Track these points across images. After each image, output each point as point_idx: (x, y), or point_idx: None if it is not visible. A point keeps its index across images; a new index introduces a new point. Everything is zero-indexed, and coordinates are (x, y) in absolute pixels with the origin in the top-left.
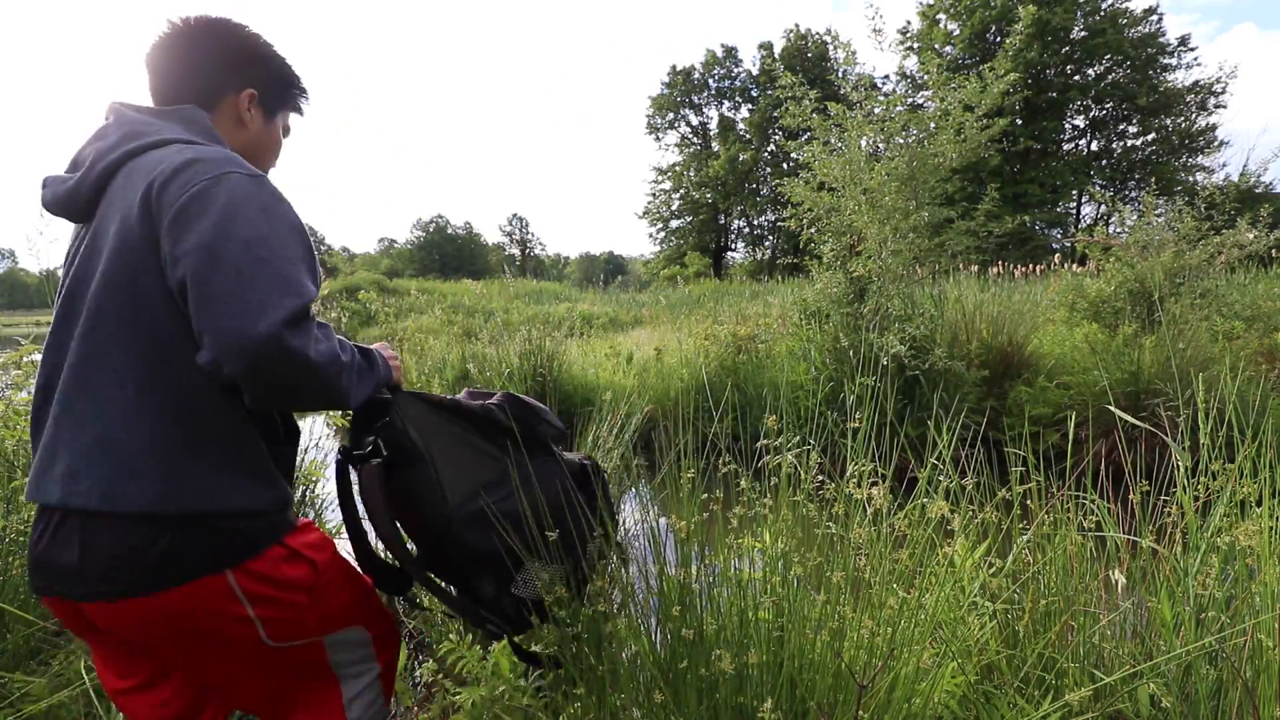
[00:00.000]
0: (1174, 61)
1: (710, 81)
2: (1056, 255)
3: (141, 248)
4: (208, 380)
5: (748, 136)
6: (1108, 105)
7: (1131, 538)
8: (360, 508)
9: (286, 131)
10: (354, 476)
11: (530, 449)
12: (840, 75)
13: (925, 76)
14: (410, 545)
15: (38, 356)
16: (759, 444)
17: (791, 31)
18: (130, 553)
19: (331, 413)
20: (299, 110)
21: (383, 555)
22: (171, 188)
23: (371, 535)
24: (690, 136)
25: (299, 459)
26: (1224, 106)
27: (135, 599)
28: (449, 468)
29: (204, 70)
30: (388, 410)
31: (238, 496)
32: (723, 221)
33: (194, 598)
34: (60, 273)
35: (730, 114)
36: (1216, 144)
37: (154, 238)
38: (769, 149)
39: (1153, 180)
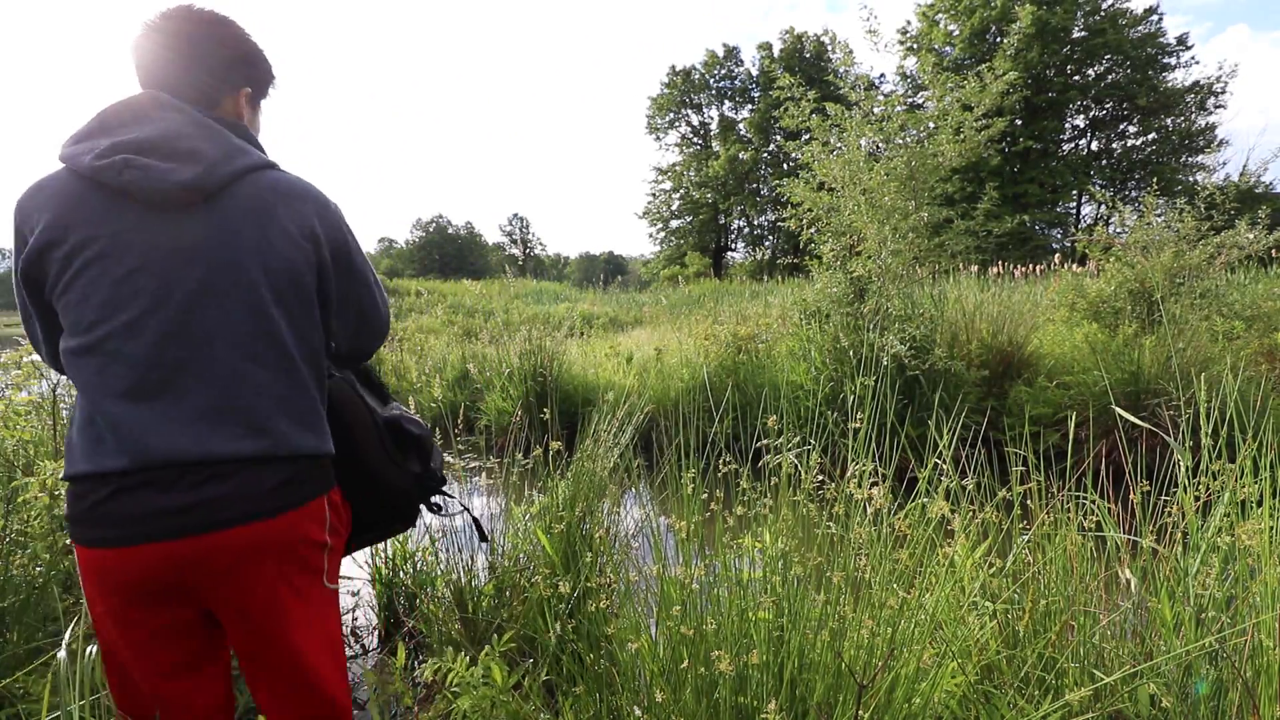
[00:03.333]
0: (1174, 61)
1: (711, 81)
2: (1056, 255)
3: (303, 258)
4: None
5: (748, 136)
6: (1108, 105)
7: (1132, 538)
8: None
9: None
10: None
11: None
12: (838, 75)
13: (924, 77)
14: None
15: (38, 356)
16: (759, 444)
17: (788, 33)
18: (250, 486)
19: None
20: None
21: None
22: (326, 219)
23: None
24: (690, 136)
25: None
26: (1223, 106)
27: (250, 525)
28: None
29: (208, 69)
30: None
31: (325, 443)
32: (723, 221)
33: (302, 520)
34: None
35: (731, 114)
36: (1216, 144)
37: (316, 255)
38: (769, 149)
39: (1153, 180)
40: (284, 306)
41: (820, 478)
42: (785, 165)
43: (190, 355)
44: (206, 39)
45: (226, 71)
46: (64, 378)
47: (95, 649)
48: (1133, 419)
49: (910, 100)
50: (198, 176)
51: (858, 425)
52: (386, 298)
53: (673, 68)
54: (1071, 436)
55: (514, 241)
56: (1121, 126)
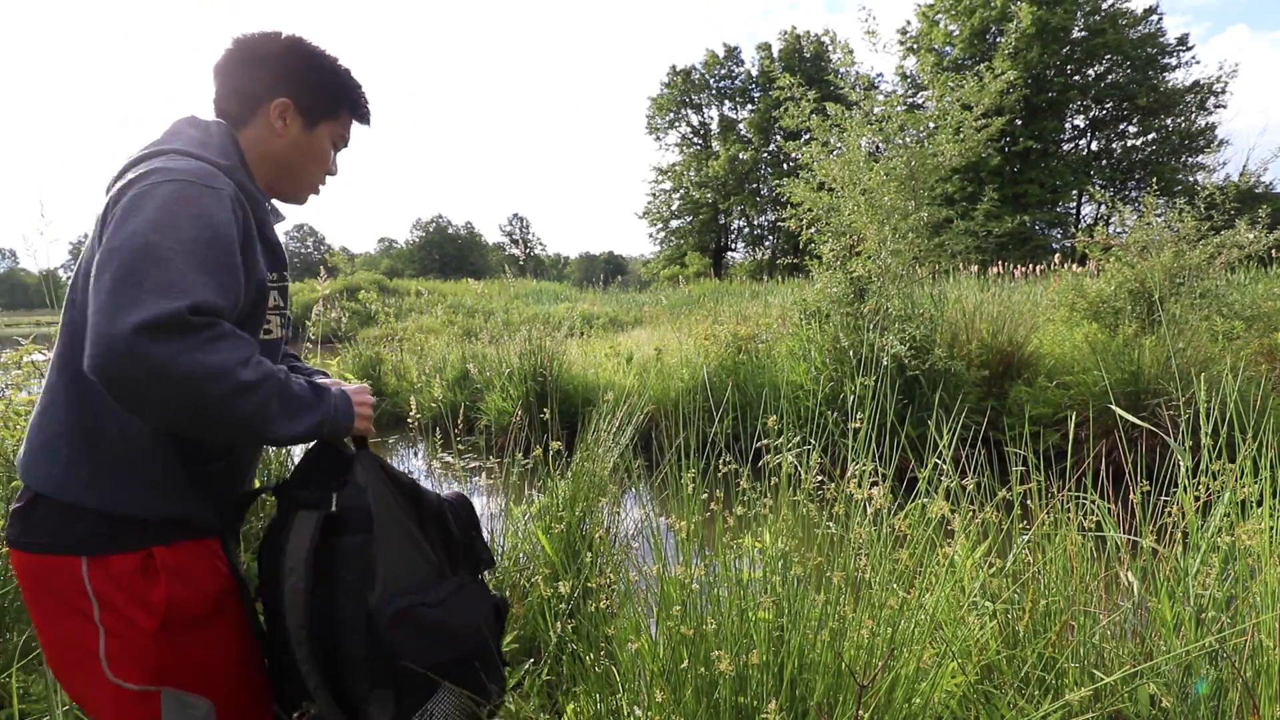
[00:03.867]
0: (1174, 61)
1: (711, 81)
2: (1056, 255)
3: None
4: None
5: (748, 136)
6: (1108, 105)
7: (1132, 538)
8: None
9: (342, 142)
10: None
11: (466, 563)
12: (838, 75)
13: (923, 77)
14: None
15: (38, 356)
16: (759, 444)
17: (787, 33)
18: (20, 511)
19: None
20: (360, 119)
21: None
22: (119, 196)
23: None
24: (690, 136)
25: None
26: (1224, 106)
27: (14, 550)
28: (391, 551)
29: (239, 85)
30: (352, 466)
31: (114, 497)
32: (723, 221)
33: (47, 569)
34: (60, 273)
35: (731, 114)
36: (1216, 144)
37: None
38: (769, 149)
39: (1153, 180)
40: (74, 324)
41: (820, 478)
42: (785, 165)
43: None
44: (240, 55)
45: (258, 85)
46: None
47: None
48: (1132, 419)
49: (910, 100)
50: (107, 188)
51: (858, 425)
52: (156, 294)
53: (673, 67)
54: (1071, 436)
55: (514, 241)
56: (1121, 126)
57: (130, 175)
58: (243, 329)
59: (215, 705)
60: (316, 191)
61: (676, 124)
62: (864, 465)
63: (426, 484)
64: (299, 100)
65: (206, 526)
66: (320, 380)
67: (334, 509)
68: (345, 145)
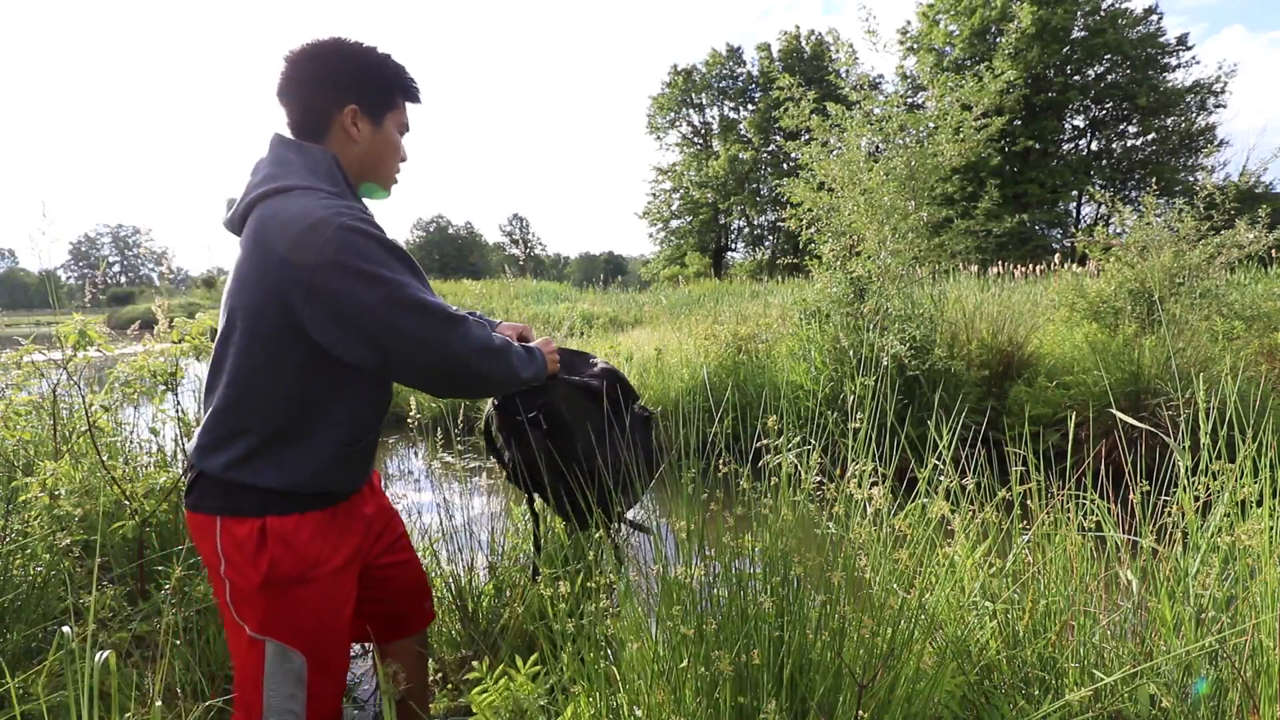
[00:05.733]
0: (1173, 61)
1: (712, 81)
2: (1056, 255)
3: (263, 293)
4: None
5: (748, 136)
6: (1107, 105)
7: (1131, 538)
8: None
9: (404, 128)
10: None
11: (620, 413)
12: (839, 75)
13: (923, 76)
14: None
15: (38, 356)
16: (759, 444)
17: (786, 34)
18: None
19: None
20: (413, 99)
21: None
22: (295, 253)
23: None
24: (691, 136)
25: None
26: (1223, 106)
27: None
28: (580, 432)
29: (308, 103)
30: (548, 393)
31: (246, 472)
32: (723, 221)
33: (199, 525)
34: (60, 273)
35: (732, 114)
36: (1216, 144)
37: (279, 287)
38: (769, 149)
39: (1153, 180)
40: (234, 337)
41: (820, 478)
42: (785, 165)
43: (211, 380)
44: (301, 73)
45: (324, 98)
46: (63, 377)
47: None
48: (1132, 421)
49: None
50: (230, 213)
51: (858, 425)
52: (428, 320)
53: (674, 67)
54: (1071, 436)
55: (514, 241)
56: (1121, 126)
57: (281, 225)
58: None
59: (308, 661)
60: (396, 182)
61: (677, 124)
62: (864, 465)
63: (426, 484)
64: (363, 102)
65: (337, 493)
66: (504, 329)
67: (544, 426)
68: (408, 130)
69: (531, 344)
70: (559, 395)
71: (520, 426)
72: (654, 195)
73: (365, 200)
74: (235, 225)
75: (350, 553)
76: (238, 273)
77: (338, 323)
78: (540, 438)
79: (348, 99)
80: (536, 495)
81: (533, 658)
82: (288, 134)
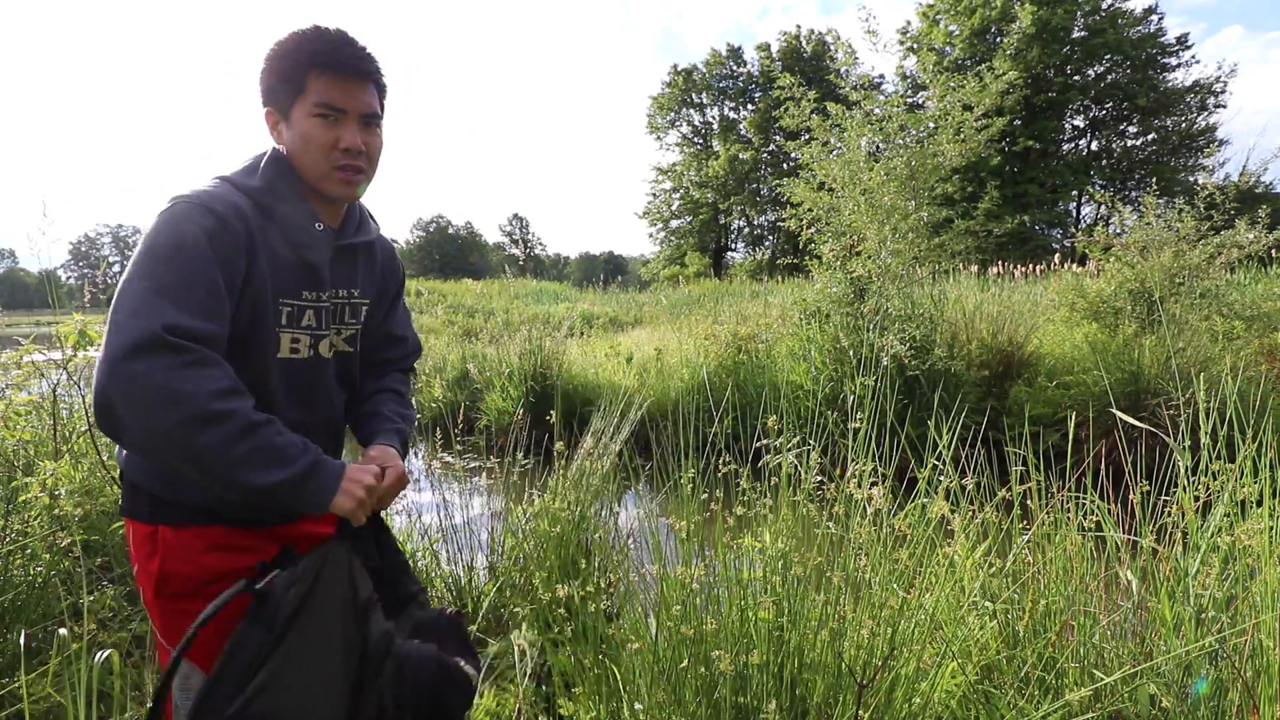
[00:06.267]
0: (1174, 61)
1: (712, 81)
2: (1056, 255)
3: None
4: None
5: (748, 136)
6: (1107, 105)
7: (1131, 538)
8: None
9: (325, 109)
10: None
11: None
12: (839, 75)
13: (924, 77)
14: None
15: (38, 356)
16: (759, 444)
17: (786, 34)
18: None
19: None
20: (330, 70)
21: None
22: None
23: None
24: (691, 136)
25: None
26: (1224, 106)
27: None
28: (286, 666)
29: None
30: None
31: (135, 468)
32: (723, 221)
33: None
34: (60, 273)
35: (732, 114)
36: (1216, 144)
37: None
38: (769, 149)
39: (1153, 180)
40: None
41: (820, 478)
42: (785, 165)
43: None
44: None
45: (262, 101)
46: (63, 377)
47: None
48: (1132, 421)
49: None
50: None
51: (858, 425)
52: (121, 326)
53: (674, 67)
54: (1071, 436)
55: (514, 241)
56: (1121, 126)
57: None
58: (245, 345)
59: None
60: (335, 176)
61: (677, 124)
62: (864, 465)
63: (426, 484)
64: (270, 100)
65: (232, 516)
66: (372, 450)
67: (258, 587)
68: (345, 110)
69: (329, 460)
70: (312, 575)
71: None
72: (654, 195)
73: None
74: None
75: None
76: None
77: None
78: (246, 625)
79: (265, 104)
80: None
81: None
82: None
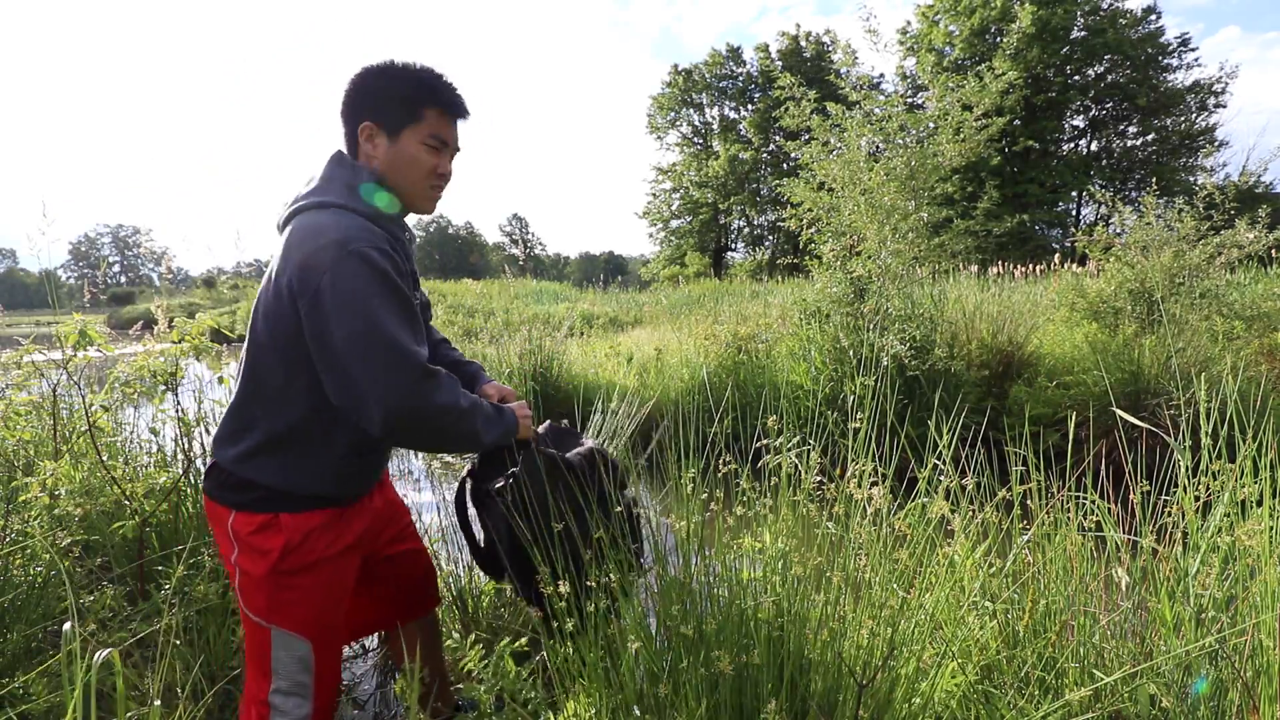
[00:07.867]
0: (1174, 61)
1: (712, 81)
2: (1056, 255)
3: (278, 306)
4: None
5: (748, 136)
6: (1107, 105)
7: (1132, 538)
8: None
9: (436, 141)
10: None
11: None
12: (839, 75)
13: (924, 76)
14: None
15: (38, 356)
16: (759, 444)
17: (785, 34)
18: (208, 470)
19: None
20: (448, 109)
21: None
22: (303, 272)
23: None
24: (691, 136)
25: None
26: (1224, 106)
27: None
28: (550, 512)
29: (343, 122)
30: (520, 463)
31: (251, 467)
32: (723, 221)
33: (213, 511)
34: (60, 273)
35: (732, 114)
36: (1216, 144)
37: (291, 307)
38: (769, 149)
39: (1153, 180)
40: (256, 335)
41: (820, 478)
42: (785, 165)
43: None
44: (342, 102)
45: (348, 118)
46: (63, 377)
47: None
48: (1132, 420)
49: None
50: (280, 217)
51: (858, 425)
52: (395, 368)
53: (675, 67)
54: (1071, 436)
55: (514, 241)
56: (1121, 126)
57: (304, 238)
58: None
59: (313, 644)
60: (430, 196)
61: (677, 124)
62: (864, 465)
63: (426, 484)
64: (377, 117)
65: (341, 499)
66: (488, 389)
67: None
68: (448, 144)
69: (506, 405)
70: (530, 468)
71: (487, 497)
72: (654, 195)
73: (385, 209)
74: (280, 229)
75: (352, 541)
76: (268, 274)
77: (314, 343)
78: (500, 514)
79: (363, 116)
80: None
81: (530, 664)
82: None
